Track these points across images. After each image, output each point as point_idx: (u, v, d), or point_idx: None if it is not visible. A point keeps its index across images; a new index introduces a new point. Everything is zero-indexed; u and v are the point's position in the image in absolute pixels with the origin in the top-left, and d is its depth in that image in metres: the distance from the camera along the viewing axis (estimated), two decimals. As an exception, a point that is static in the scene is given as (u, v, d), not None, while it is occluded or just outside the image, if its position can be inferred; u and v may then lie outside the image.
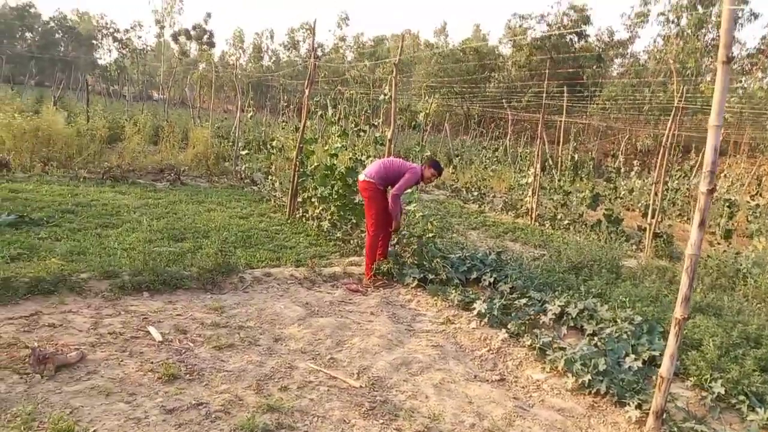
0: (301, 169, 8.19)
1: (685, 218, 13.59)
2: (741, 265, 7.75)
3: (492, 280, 6.01)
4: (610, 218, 9.71)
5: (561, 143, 16.09)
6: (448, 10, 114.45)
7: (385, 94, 7.51)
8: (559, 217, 10.84)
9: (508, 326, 4.76)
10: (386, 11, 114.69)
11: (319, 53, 48.19)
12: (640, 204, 13.53)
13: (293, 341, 4.29)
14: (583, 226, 10.22)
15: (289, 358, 3.98)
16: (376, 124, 9.10)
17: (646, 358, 4.36)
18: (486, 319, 4.98)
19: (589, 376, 3.87)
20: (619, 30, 33.09)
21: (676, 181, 14.67)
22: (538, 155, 11.06)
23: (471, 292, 5.61)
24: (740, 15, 26.59)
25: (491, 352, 4.55)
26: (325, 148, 8.33)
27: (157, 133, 14.72)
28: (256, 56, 60.42)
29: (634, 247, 9.37)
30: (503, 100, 20.40)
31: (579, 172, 14.43)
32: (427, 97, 31.55)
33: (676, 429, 3.32)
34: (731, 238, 8.91)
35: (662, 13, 29.04)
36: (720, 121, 3.16)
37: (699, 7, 26.87)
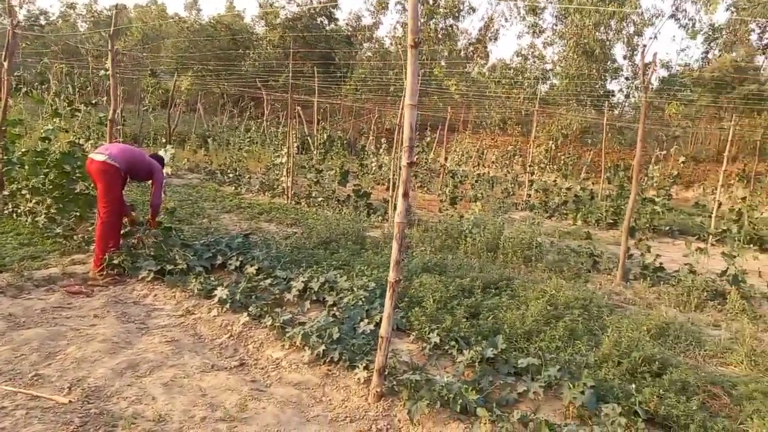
0: (6, 157, 6.86)
1: (425, 189, 15.23)
2: (463, 226, 8.97)
3: (238, 263, 5.85)
4: (359, 193, 10.32)
5: (317, 123, 16.56)
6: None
7: (105, 69, 6.66)
8: (313, 194, 11.14)
9: (249, 309, 4.68)
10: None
11: (43, 21, 41.15)
12: (387, 179, 14.70)
13: (-17, 364, 3.56)
14: (336, 202, 10.69)
15: (-26, 385, 3.28)
16: (95, 102, 8.05)
17: (378, 321, 4.70)
18: (228, 305, 4.83)
19: (323, 347, 4.01)
20: (366, 15, 35.24)
21: (415, 155, 16.32)
22: (290, 134, 11.15)
23: (214, 279, 5.38)
24: (460, 8, 30.74)
25: (232, 338, 4.42)
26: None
27: None
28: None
29: (381, 218, 10.14)
30: (257, 80, 20.13)
31: (329, 151, 15.02)
32: (178, 75, 29.50)
33: (395, 381, 3.63)
34: (457, 204, 10.25)
35: (399, 2, 31.83)
36: (414, 100, 3.48)
37: (429, -1, 30.16)
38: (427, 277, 5.84)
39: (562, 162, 20.16)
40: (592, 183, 16.02)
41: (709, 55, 30.26)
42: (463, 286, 5.81)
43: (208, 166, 14.00)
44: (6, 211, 7.09)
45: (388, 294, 3.58)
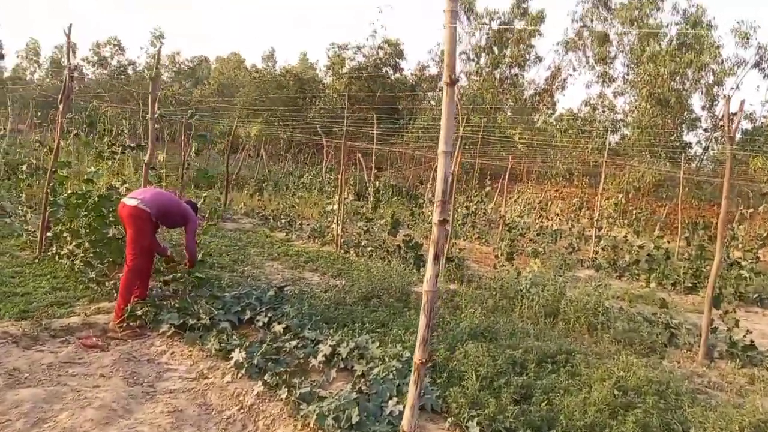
0: (53, 198, 6.86)
1: (483, 241, 14.47)
2: (520, 285, 8.19)
3: (267, 320, 5.40)
4: (408, 244, 9.78)
5: (373, 169, 16.36)
6: (277, 37, 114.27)
7: (155, 113, 6.60)
8: (362, 244, 10.71)
9: (265, 377, 4.17)
10: (212, 32, 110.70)
11: (130, 71, 44.37)
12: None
13: (-38, 429, 3.22)
14: (385, 253, 10.18)
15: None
16: (133, 145, 8.07)
17: (410, 399, 4.07)
18: (244, 370, 4.35)
19: (339, 432, 3.43)
20: (430, 65, 35.56)
21: (474, 205, 15.65)
22: (341, 180, 10.86)
23: (237, 338, 4.94)
24: (526, 57, 30.41)
25: (242, 411, 3.91)
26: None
27: None
28: (55, 70, 53.76)
29: (431, 272, 9.51)
30: (318, 127, 20.37)
31: (380, 198, 14.66)
32: (248, 122, 30.59)
33: (418, 489, 2.98)
34: (513, 260, 9.49)
35: (464, 52, 31.89)
36: (449, 147, 2.96)
37: (494, 48, 30.02)
38: (473, 346, 5.14)
39: (633, 217, 18.85)
40: (668, 241, 14.71)
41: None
42: (514, 359, 5.08)
43: (262, 210, 13.95)
44: (50, 253, 7.06)
45: (412, 378, 2.98)
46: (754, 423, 4.31)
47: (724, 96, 24.18)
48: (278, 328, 5.17)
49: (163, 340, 5.00)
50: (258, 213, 13.91)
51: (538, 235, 14.33)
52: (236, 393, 4.12)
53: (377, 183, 14.35)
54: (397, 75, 34.15)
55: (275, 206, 14.06)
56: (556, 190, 24.95)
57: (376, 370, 4.38)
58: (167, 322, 5.10)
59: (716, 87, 26.06)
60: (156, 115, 6.67)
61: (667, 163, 25.36)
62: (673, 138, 25.29)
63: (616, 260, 12.43)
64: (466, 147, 25.64)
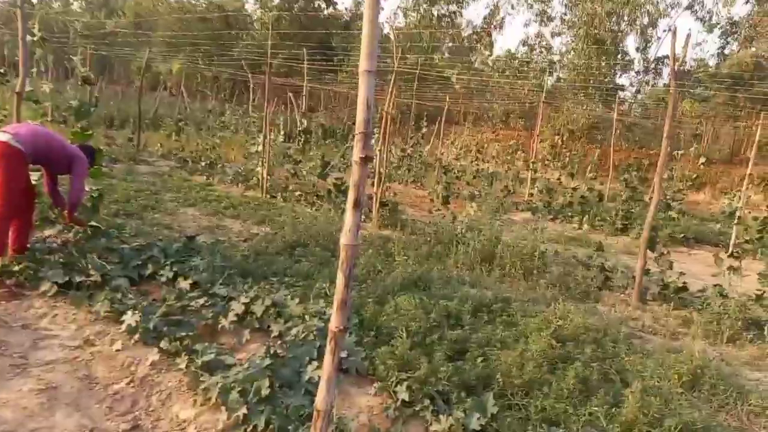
0: None
1: (419, 185, 14.05)
2: (456, 230, 7.84)
3: (172, 274, 4.73)
4: (339, 188, 9.19)
5: (302, 107, 15.39)
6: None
7: (32, 35, 5.50)
8: (290, 188, 10.01)
9: (161, 343, 3.56)
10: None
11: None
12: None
13: None
14: (315, 198, 9.56)
15: None
16: (2, 70, 6.88)
17: (332, 362, 3.60)
18: (138, 335, 3.71)
19: (244, 409, 2.90)
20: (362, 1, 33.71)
21: (410, 147, 15.15)
22: (266, 119, 10.00)
23: (131, 296, 4.26)
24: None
25: (133, 384, 3.31)
26: None
27: None
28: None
29: (363, 217, 9.00)
30: (242, 62, 18.90)
31: (310, 140, 13.86)
32: (169, 58, 28.28)
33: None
34: (449, 204, 9.13)
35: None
36: (372, 65, 2.33)
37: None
38: (405, 298, 4.72)
39: (567, 159, 18.99)
40: (600, 183, 14.88)
41: (726, 51, 28.96)
42: (448, 311, 4.71)
43: (179, 152, 12.83)
44: None
45: (328, 348, 2.47)
46: (691, 370, 4.17)
47: (659, 37, 24.47)
48: (184, 284, 4.52)
49: (45, 301, 4.24)
50: (176, 155, 12.80)
51: (474, 177, 14.07)
52: (127, 363, 3.50)
53: (305, 122, 13.44)
54: (330, 9, 32.34)
55: (194, 147, 12.96)
56: (493, 132, 24.80)
57: (294, 331, 3.87)
58: (49, 279, 4.32)
59: (650, 29, 26.30)
60: (36, 38, 5.59)
61: (600, 106, 25.65)
62: (607, 80, 25.49)
63: (550, 202, 12.40)
64: (402, 86, 24.86)
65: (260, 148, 10.16)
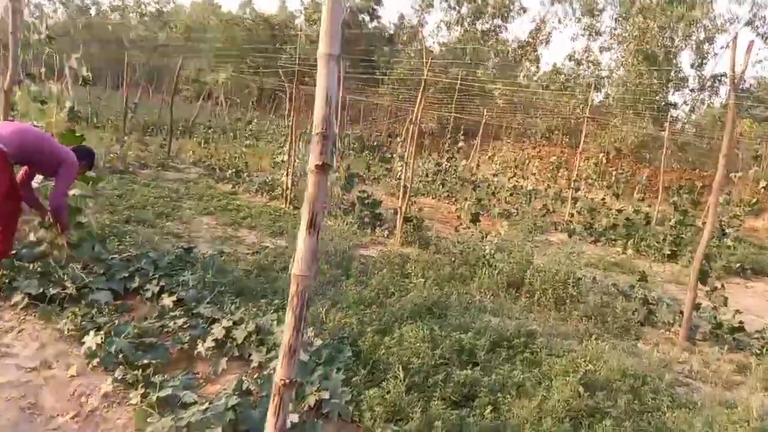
0: None
1: (453, 200, 13.44)
2: (484, 250, 7.24)
3: (158, 289, 4.33)
4: (364, 201, 8.73)
5: (344, 121, 15.10)
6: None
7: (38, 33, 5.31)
8: (314, 199, 9.60)
9: (116, 372, 3.13)
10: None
11: (93, 12, 41.62)
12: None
13: None
14: (338, 210, 9.12)
15: None
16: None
17: (312, 404, 3.09)
18: (97, 360, 3.30)
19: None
20: (411, 17, 33.50)
21: (445, 161, 14.58)
22: (292, 129, 9.67)
23: (104, 314, 3.87)
24: (510, 8, 28.73)
25: (78, 419, 2.89)
26: None
27: None
28: None
29: (387, 233, 8.50)
30: (280, 71, 18.81)
31: (341, 150, 13.47)
32: (216, 69, 28.68)
33: None
34: (479, 222, 8.51)
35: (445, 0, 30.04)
36: (335, 48, 1.86)
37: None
38: (412, 327, 4.17)
39: (613, 179, 17.98)
40: (648, 205, 13.89)
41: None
42: (461, 344, 4.13)
43: (207, 160, 12.67)
44: None
45: (272, 403, 1.97)
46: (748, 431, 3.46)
47: (716, 53, 23.09)
48: (168, 300, 4.11)
49: (15, 314, 3.91)
50: (204, 163, 12.66)
51: (510, 194, 13.36)
52: (78, 392, 3.08)
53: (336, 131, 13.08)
54: (375, 23, 32.22)
55: (223, 155, 12.79)
56: (534, 148, 23.92)
57: (275, 363, 3.37)
58: (22, 290, 3.99)
59: (707, 44, 24.91)
60: (43, 36, 5.39)
61: (651, 125, 24.41)
62: (658, 98, 24.22)
63: (592, 224, 11.57)
64: (444, 98, 24.36)
65: (286, 157, 9.83)
